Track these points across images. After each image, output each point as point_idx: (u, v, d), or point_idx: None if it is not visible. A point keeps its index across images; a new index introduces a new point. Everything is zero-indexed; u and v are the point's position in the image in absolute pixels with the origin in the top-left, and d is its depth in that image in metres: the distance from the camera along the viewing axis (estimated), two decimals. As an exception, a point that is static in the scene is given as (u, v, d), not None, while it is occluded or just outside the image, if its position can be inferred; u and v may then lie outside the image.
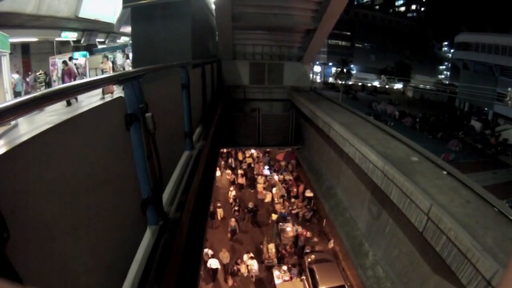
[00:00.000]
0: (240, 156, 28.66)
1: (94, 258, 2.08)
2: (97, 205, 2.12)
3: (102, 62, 22.98)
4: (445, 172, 8.46)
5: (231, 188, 23.07)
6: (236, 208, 20.33)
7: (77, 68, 21.56)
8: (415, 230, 7.51)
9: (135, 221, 2.95)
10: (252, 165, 28.01)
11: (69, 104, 15.15)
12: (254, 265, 15.82)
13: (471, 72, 47.30)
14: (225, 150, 27.76)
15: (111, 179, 2.38)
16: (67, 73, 18.13)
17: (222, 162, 27.64)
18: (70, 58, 22.58)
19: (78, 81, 1.97)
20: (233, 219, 18.58)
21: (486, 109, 43.49)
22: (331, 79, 70.17)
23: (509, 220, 6.19)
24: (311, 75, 26.35)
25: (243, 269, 15.81)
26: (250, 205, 21.19)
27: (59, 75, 19.79)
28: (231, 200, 21.81)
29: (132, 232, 2.88)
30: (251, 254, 16.36)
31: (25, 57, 24.54)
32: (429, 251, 7.19)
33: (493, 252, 5.25)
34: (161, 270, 2.93)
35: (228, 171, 25.57)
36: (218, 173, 23.20)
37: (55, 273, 1.63)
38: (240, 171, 25.44)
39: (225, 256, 15.74)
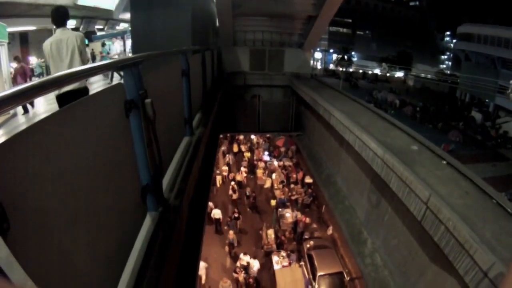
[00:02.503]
0: (235, 148, 28.23)
1: (94, 246, 2.08)
2: (97, 193, 2.12)
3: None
4: (444, 162, 8.45)
5: (232, 183, 22.45)
6: (236, 213, 19.26)
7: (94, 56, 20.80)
8: (413, 219, 7.52)
9: (135, 208, 2.95)
10: (247, 158, 27.39)
11: (26, 111, 12.92)
12: (255, 265, 15.58)
13: (473, 63, 46.97)
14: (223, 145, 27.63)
15: (111, 166, 2.38)
16: (20, 73, 14.80)
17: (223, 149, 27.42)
18: (103, 44, 21.50)
19: (77, 68, 1.95)
20: (231, 232, 17.59)
21: (487, 100, 43.30)
22: (331, 66, 69.85)
23: (507, 213, 6.19)
24: (311, 61, 26.26)
25: (241, 278, 15.11)
26: (249, 191, 21.34)
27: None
28: (230, 192, 21.60)
29: (132, 219, 2.88)
30: (247, 258, 15.90)
31: (23, 46, 24.37)
32: (427, 240, 7.20)
33: (490, 245, 5.25)
34: (161, 257, 2.93)
35: (225, 168, 24.86)
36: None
37: (55, 261, 1.63)
38: (244, 169, 24.67)
39: (226, 285, 14.70)
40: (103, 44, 24.30)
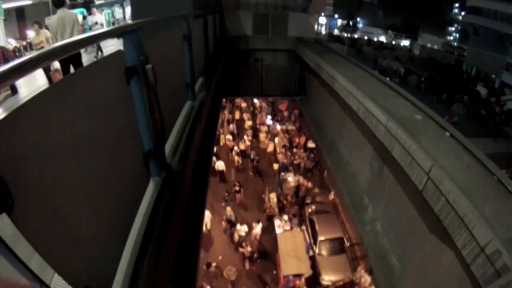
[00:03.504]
0: (237, 115, 27.90)
1: (99, 214, 2.10)
2: (100, 160, 2.12)
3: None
4: (448, 134, 8.37)
5: (235, 149, 22.57)
6: (237, 186, 18.98)
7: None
8: (415, 189, 7.52)
9: (138, 174, 2.96)
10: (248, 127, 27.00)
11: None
12: (257, 228, 15.84)
13: (481, 38, 45.95)
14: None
15: (113, 133, 2.37)
16: None
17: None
18: (84, 17, 20.18)
19: (75, 38, 1.94)
20: (228, 208, 17.07)
21: (493, 76, 42.67)
22: (336, 31, 68.63)
23: (508, 191, 6.15)
24: (316, 26, 25.75)
25: (246, 252, 15.12)
26: (253, 154, 21.50)
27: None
28: (236, 158, 21.75)
29: (135, 185, 2.89)
30: (245, 228, 16.09)
31: (20, 22, 23.94)
32: (428, 211, 7.19)
33: (489, 221, 5.24)
34: (165, 222, 2.97)
35: (229, 136, 24.58)
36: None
37: (60, 231, 1.64)
38: (247, 138, 24.40)
39: (232, 273, 14.34)
40: (84, 17, 23.62)
